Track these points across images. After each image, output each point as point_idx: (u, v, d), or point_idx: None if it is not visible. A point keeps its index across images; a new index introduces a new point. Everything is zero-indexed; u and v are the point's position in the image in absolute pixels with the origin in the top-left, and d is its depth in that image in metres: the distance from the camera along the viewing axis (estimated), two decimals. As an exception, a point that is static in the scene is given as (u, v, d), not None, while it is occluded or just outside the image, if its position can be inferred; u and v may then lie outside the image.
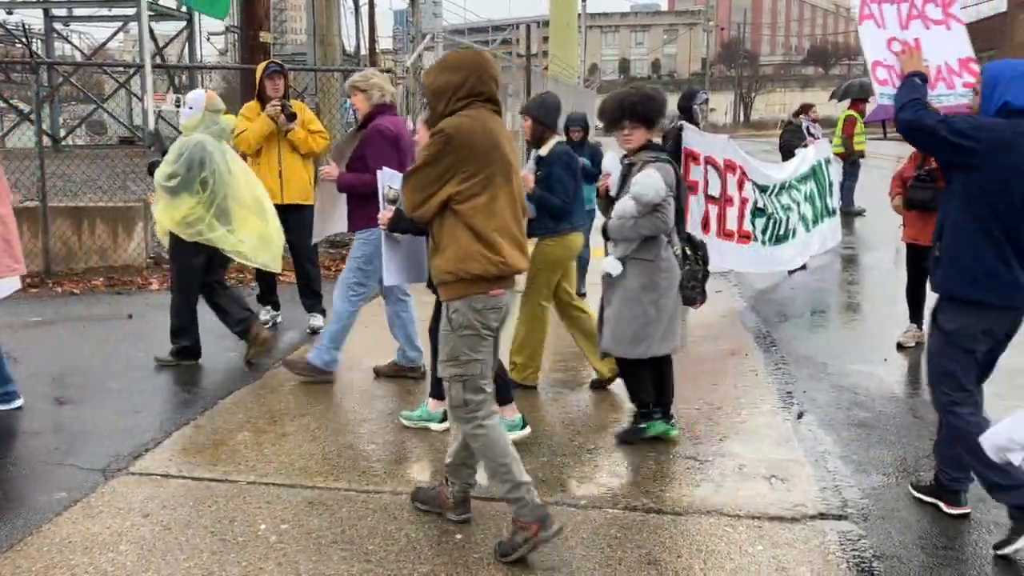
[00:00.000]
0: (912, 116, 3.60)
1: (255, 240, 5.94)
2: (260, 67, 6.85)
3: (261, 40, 9.84)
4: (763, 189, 8.08)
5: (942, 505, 3.85)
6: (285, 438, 4.70)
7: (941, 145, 3.57)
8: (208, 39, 36.49)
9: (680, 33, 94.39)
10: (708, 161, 7.12)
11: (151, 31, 21.73)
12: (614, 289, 4.61)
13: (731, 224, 7.18)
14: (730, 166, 7.09)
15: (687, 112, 7.66)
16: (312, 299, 7.05)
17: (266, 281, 7.17)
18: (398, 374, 5.74)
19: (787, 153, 10.68)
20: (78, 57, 27.59)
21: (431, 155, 3.38)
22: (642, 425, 4.66)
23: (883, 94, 4.12)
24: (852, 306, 8.24)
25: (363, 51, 26.30)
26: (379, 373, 5.78)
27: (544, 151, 5.33)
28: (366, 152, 5.23)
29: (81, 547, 3.52)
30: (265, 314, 7.12)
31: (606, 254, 4.67)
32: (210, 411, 5.14)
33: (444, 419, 4.63)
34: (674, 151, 7.42)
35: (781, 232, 8.29)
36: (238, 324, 6.04)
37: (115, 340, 6.24)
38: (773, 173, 8.58)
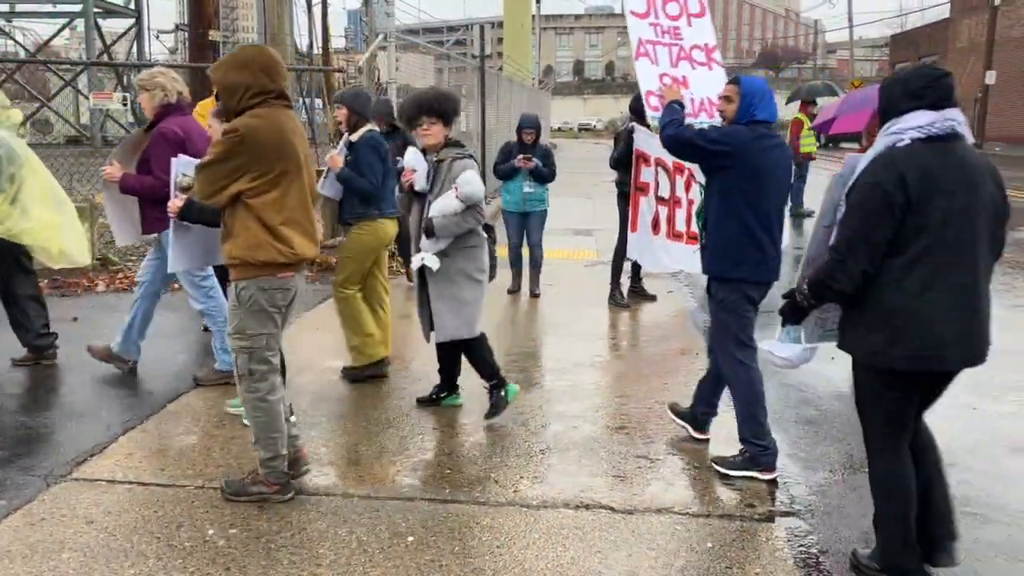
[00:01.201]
0: (674, 132, 4.29)
1: (57, 233, 5.73)
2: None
3: (210, 38, 9.70)
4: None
5: (690, 430, 4.67)
6: (234, 441, 4.63)
7: (701, 152, 4.23)
8: (157, 37, 35.93)
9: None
10: (658, 163, 7.18)
11: (98, 28, 21.33)
12: (444, 279, 4.84)
13: (680, 225, 7.26)
14: (679, 168, 7.15)
15: (639, 114, 7.71)
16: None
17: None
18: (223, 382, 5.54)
19: None
20: (22, 54, 26.94)
21: (222, 153, 3.63)
22: (502, 393, 4.97)
23: (654, 118, 4.87)
24: (801, 306, 8.36)
25: (316, 50, 26.09)
26: (199, 382, 5.62)
27: (355, 137, 5.56)
28: (150, 156, 5.19)
29: (21, 556, 3.44)
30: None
31: (417, 250, 4.91)
32: (157, 415, 5.05)
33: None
34: (626, 152, 7.49)
35: None
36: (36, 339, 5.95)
37: (60, 343, 6.10)
38: None
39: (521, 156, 8.02)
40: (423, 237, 4.83)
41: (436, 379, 5.31)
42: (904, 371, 3.10)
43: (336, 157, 5.52)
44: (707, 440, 4.65)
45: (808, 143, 14.06)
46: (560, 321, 7.45)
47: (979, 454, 4.60)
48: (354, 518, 3.77)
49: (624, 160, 7.60)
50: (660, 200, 7.28)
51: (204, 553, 3.46)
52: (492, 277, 5.09)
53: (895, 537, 3.23)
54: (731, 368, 4.31)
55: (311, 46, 26.65)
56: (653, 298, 8.34)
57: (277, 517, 3.77)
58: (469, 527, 3.69)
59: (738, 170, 4.10)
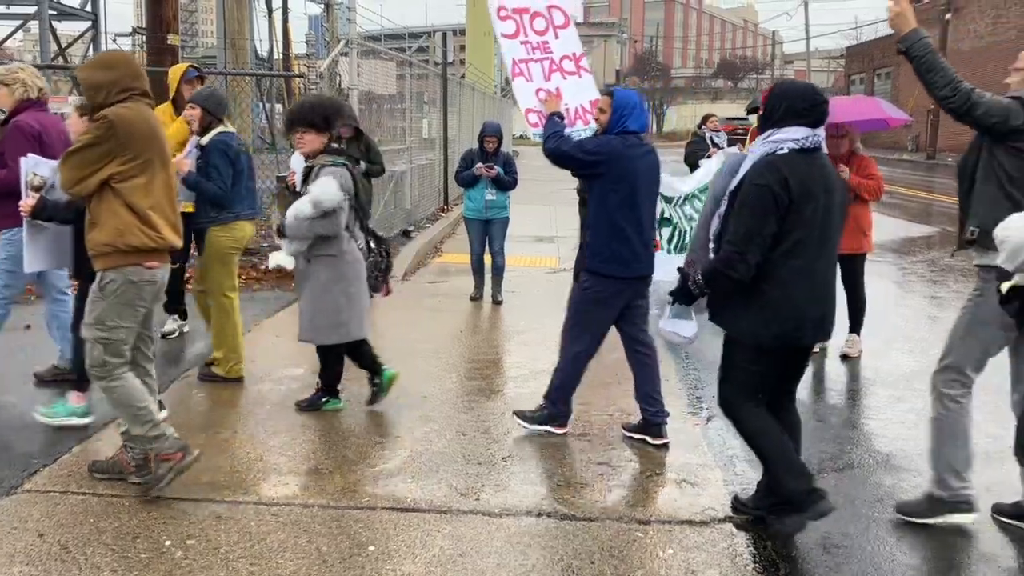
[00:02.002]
0: (554, 146, 4.61)
1: None
2: (178, 70, 6.63)
3: (169, 43, 9.58)
4: (668, 200, 8.23)
5: (648, 439, 4.75)
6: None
7: (579, 163, 4.60)
8: (114, 40, 35.40)
9: (595, 45, 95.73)
10: None
11: (53, 31, 20.94)
12: (306, 283, 5.02)
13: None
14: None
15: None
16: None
17: (173, 290, 6.96)
18: (60, 378, 5.47)
19: (692, 165, 10.93)
20: (-27, 56, 26.38)
21: (93, 138, 3.78)
22: (324, 399, 5.23)
23: (536, 134, 5.10)
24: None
25: (277, 55, 25.89)
26: (40, 379, 5.60)
27: (205, 140, 5.58)
28: (4, 148, 5.16)
29: (-29, 569, 3.35)
30: (172, 323, 6.93)
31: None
32: (113, 423, 4.95)
33: (87, 414, 4.86)
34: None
35: (685, 241, 8.48)
36: None
37: (12, 351, 5.97)
38: (678, 184, 8.76)
39: (483, 164, 8.03)
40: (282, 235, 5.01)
41: (396, 385, 5.29)
42: (772, 347, 3.60)
43: (183, 161, 5.46)
44: (666, 445, 4.71)
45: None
46: (523, 328, 7.46)
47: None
48: (315, 528, 3.73)
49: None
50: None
51: (161, 565, 3.40)
52: (377, 289, 5.28)
53: (789, 471, 3.64)
54: (570, 342, 4.80)
55: (272, 51, 26.44)
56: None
57: (236, 528, 3.72)
58: (431, 536, 3.67)
59: (612, 177, 4.50)
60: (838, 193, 3.60)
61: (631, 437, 4.82)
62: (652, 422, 4.77)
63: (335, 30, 10.42)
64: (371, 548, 3.56)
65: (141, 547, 3.54)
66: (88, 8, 21.13)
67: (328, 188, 4.79)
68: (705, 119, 13.24)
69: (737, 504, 3.93)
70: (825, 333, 3.69)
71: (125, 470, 4.08)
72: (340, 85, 10.22)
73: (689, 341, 3.99)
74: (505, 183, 8.19)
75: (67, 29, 25.48)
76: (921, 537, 3.77)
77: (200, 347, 6.66)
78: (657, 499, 4.08)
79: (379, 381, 5.27)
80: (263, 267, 9.57)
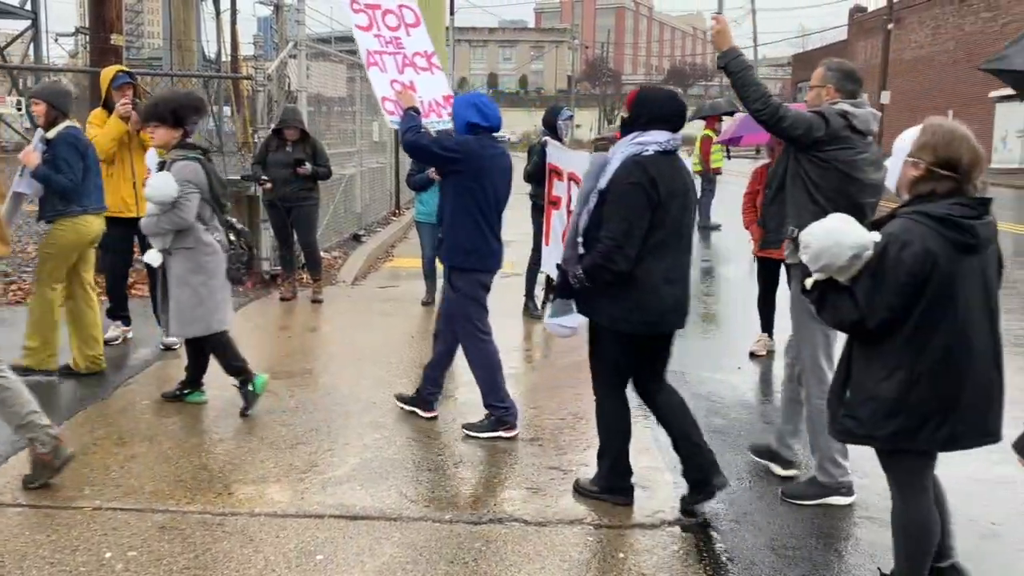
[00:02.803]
0: (413, 138, 4.82)
1: None
2: (107, 75, 6.47)
3: (113, 43, 9.37)
4: None
5: (419, 412, 5.15)
6: (135, 460, 4.46)
7: (437, 158, 4.86)
8: (56, 40, 34.56)
9: (546, 50, 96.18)
10: (571, 177, 7.24)
11: (-9, 29, 20.43)
12: (173, 278, 5.06)
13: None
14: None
15: (552, 128, 7.77)
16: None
17: (117, 295, 6.81)
18: None
19: None
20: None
21: None
22: (250, 388, 5.18)
23: (392, 121, 5.35)
24: (708, 316, 8.55)
25: (225, 57, 25.51)
26: None
27: (52, 134, 5.55)
28: None
29: (-101, 586, 3.23)
30: (115, 329, 6.76)
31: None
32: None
33: None
34: (539, 165, 7.52)
35: None
36: None
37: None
38: None
39: (435, 167, 7.98)
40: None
41: (345, 391, 5.24)
42: (639, 334, 3.87)
43: (31, 154, 5.46)
44: (435, 417, 5.16)
45: (717, 158, 14.40)
46: (473, 333, 7.42)
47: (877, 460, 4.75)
48: (261, 537, 3.66)
49: (537, 174, 7.63)
50: (572, 214, 7.35)
51: (100, 578, 3.31)
52: (238, 281, 5.35)
53: (617, 464, 4.04)
54: (472, 346, 4.97)
55: (219, 53, 26.04)
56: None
57: (180, 538, 3.63)
58: (380, 544, 3.62)
59: (468, 174, 4.74)
60: (692, 192, 3.94)
61: (403, 408, 5.22)
62: (427, 399, 5.18)
63: (284, 32, 10.26)
64: (319, 557, 3.50)
65: (80, 560, 3.44)
66: (28, 7, 20.62)
67: (158, 182, 4.86)
68: None
69: (578, 487, 4.20)
70: (683, 322, 3.96)
71: (49, 464, 4.07)
72: (289, 87, 10.10)
73: (574, 332, 4.19)
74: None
75: (5, 27, 24.84)
76: (869, 537, 3.82)
77: (144, 353, 6.52)
78: (609, 504, 4.07)
79: (251, 387, 5.23)
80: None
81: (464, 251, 4.84)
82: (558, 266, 4.06)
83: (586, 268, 3.80)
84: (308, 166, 8.25)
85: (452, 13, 33.07)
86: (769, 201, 4.32)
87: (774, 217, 4.25)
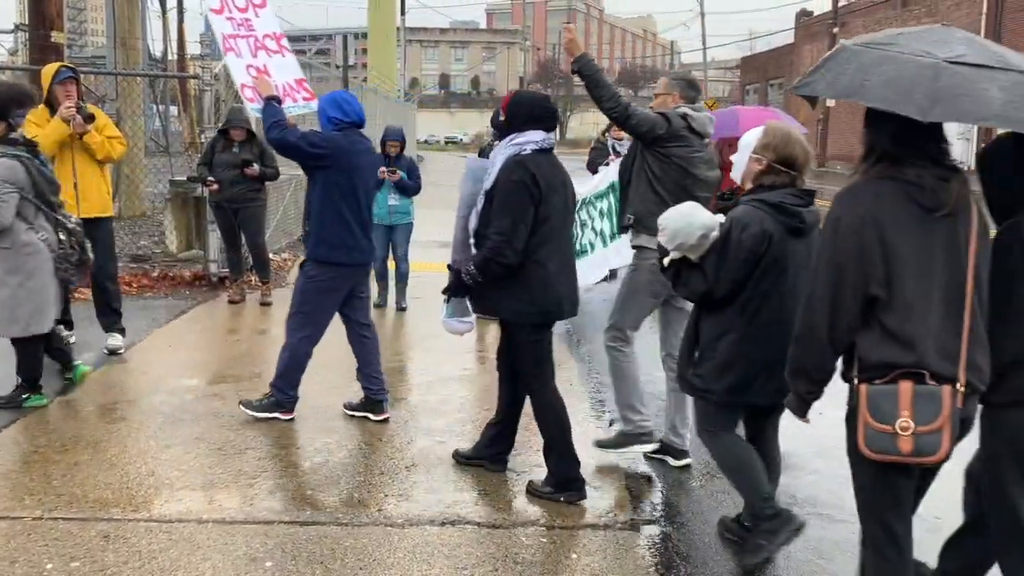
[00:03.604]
0: (279, 135, 4.84)
1: None
2: (49, 71, 6.30)
3: (53, 40, 9.14)
4: None
5: (371, 416, 5.14)
6: (78, 468, 4.35)
7: (303, 154, 4.85)
8: (-6, 37, 33.67)
9: (498, 51, 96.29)
10: None
11: (-74, 25, 19.85)
12: None
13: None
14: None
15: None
16: (111, 317, 6.58)
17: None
18: None
19: (595, 171, 11.12)
20: None
21: None
22: (24, 396, 5.18)
23: (253, 108, 5.25)
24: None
25: (172, 56, 25.07)
26: None
27: None
28: None
29: None
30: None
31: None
32: (-10, 441, 4.68)
33: None
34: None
35: (577, 247, 8.56)
36: None
37: None
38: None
39: (386, 168, 7.93)
40: None
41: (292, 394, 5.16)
42: (539, 323, 4.11)
43: None
44: (387, 420, 5.17)
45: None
46: (428, 335, 7.38)
47: (826, 457, 4.82)
48: (208, 544, 3.59)
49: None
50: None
51: (41, 590, 3.22)
52: (68, 282, 5.26)
53: (564, 456, 4.13)
54: (295, 330, 5.02)
55: (166, 52, 25.58)
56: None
57: (125, 547, 3.55)
58: (331, 549, 3.58)
59: (336, 169, 4.83)
60: (570, 186, 4.20)
61: (353, 415, 5.17)
62: (375, 399, 5.16)
63: (232, 31, 10.15)
64: (268, 564, 3.45)
65: (20, 572, 3.34)
66: (-35, 3, 20.04)
67: None
68: (609, 127, 13.43)
69: (532, 489, 4.23)
70: (576, 308, 4.22)
71: None
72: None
73: (470, 328, 4.38)
74: (408, 188, 8.12)
75: (-58, 24, 24.13)
76: (817, 533, 3.88)
77: (87, 358, 6.37)
78: (561, 504, 4.08)
79: (70, 376, 5.27)
80: (155, 274, 9.25)
81: (330, 245, 4.91)
82: (450, 266, 4.21)
83: (477, 264, 3.99)
84: (256, 167, 8.14)
85: (403, 13, 32.88)
86: (622, 192, 4.81)
87: (632, 206, 4.63)
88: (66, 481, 4.18)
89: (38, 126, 6.18)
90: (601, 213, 9.12)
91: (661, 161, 4.45)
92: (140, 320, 7.38)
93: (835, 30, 39.01)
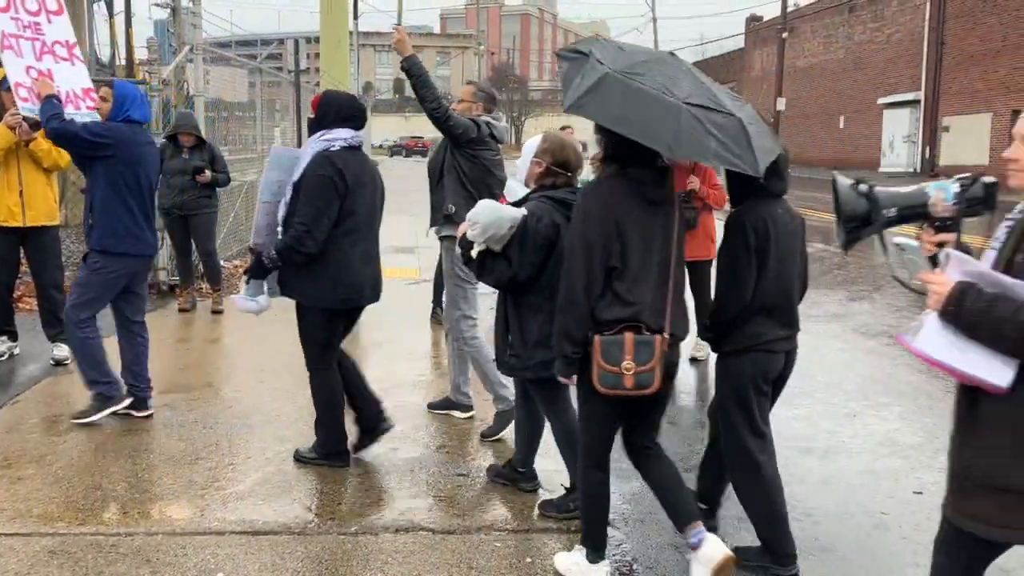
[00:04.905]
0: (58, 126, 4.91)
1: None
2: None
3: (-4, 45, 8.92)
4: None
5: (134, 412, 5.20)
6: (22, 482, 4.25)
7: (86, 143, 4.93)
8: (-65, 41, 32.76)
9: (453, 56, 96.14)
10: None
11: None
12: None
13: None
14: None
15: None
16: (56, 328, 6.43)
17: (2, 308, 6.49)
18: None
19: None
20: None
21: None
22: None
23: (26, 108, 5.30)
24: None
25: (119, 61, 24.63)
26: None
27: None
28: None
29: None
30: (1, 345, 6.45)
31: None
32: (-70, 457, 4.56)
33: None
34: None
35: None
36: None
37: None
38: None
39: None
40: None
41: (247, 403, 5.11)
42: (339, 309, 4.41)
43: None
44: (151, 415, 5.26)
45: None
46: (382, 340, 7.35)
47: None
48: (158, 557, 3.53)
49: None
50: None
51: (-16, 608, 3.14)
52: None
53: (333, 432, 4.51)
54: (76, 327, 5.04)
55: (114, 57, 25.11)
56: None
57: (70, 562, 3.48)
58: (283, 559, 3.55)
59: (122, 160, 4.94)
60: (379, 181, 4.52)
61: (116, 412, 5.16)
62: (141, 397, 5.24)
63: (182, 36, 9.96)
64: (220, 575, 3.40)
65: (-39, 590, 3.26)
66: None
67: None
68: (562, 130, 13.47)
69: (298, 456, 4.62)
70: (377, 295, 4.57)
71: None
72: (188, 92, 9.83)
73: (260, 308, 4.54)
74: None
75: None
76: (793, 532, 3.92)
77: (32, 369, 6.24)
78: (516, 509, 4.09)
79: None
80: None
81: (117, 236, 4.98)
82: (251, 249, 4.48)
83: (279, 250, 4.24)
84: (208, 173, 8.04)
85: (356, 17, 32.66)
86: (433, 190, 5.35)
87: (438, 201, 5.18)
88: (9, 496, 4.09)
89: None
90: None
91: (470, 161, 4.99)
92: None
93: (784, 35, 39.62)
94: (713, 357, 3.75)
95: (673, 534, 3.87)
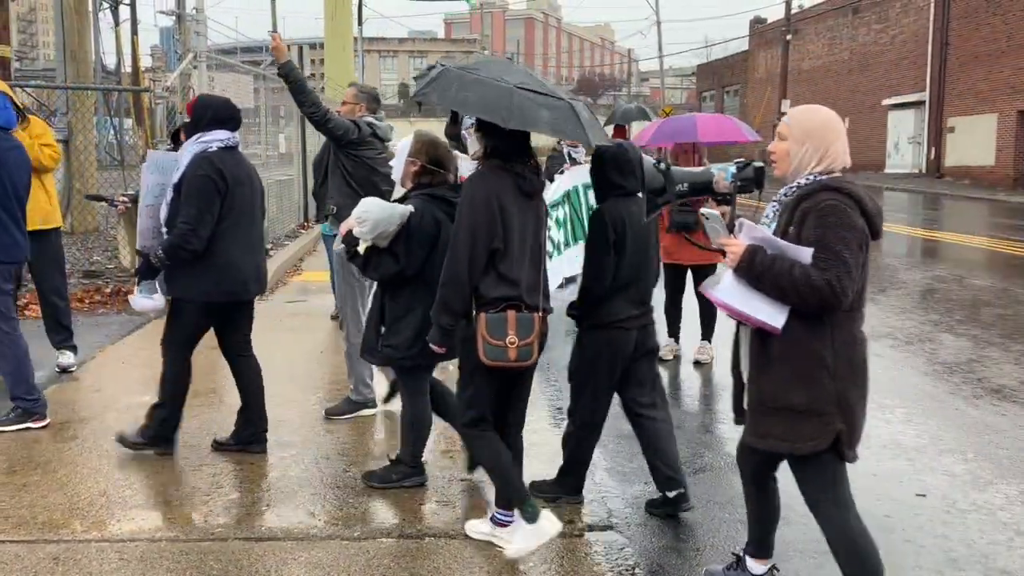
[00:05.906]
0: None
1: None
2: None
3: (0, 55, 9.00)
4: None
5: (32, 425, 5.12)
6: (27, 489, 4.28)
7: None
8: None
9: (457, 60, 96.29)
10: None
11: None
12: None
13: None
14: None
15: (455, 137, 7.78)
16: (61, 334, 6.47)
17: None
18: None
19: (551, 180, 11.14)
20: None
21: None
22: None
23: None
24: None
25: (125, 68, 24.76)
26: None
27: None
28: None
29: None
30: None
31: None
32: (-64, 465, 4.59)
33: None
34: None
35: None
36: None
37: None
38: None
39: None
40: None
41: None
42: (221, 302, 4.59)
43: None
44: (47, 426, 5.19)
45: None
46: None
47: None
48: (162, 563, 3.55)
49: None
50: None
51: (-12, 615, 3.16)
52: None
53: (170, 418, 4.68)
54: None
55: (119, 64, 25.24)
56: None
57: (75, 569, 3.50)
58: (287, 564, 3.56)
59: None
60: (256, 180, 4.74)
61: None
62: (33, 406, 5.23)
63: (187, 43, 10.02)
64: (223, 581, 3.42)
65: (-34, 597, 3.28)
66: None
67: None
68: None
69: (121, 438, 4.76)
70: (262, 288, 4.81)
71: None
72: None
73: (156, 306, 4.72)
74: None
75: None
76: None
77: (37, 376, 6.25)
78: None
79: None
80: (108, 290, 9.12)
81: None
82: (138, 252, 4.64)
83: (165, 249, 4.41)
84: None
85: (360, 23, 32.80)
86: (318, 187, 5.57)
87: (322, 199, 5.40)
88: (14, 503, 4.11)
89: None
90: (557, 222, 9.14)
91: (353, 160, 5.28)
92: (93, 337, 7.28)
93: (788, 37, 39.57)
94: (717, 360, 3.79)
95: (674, 537, 3.89)
